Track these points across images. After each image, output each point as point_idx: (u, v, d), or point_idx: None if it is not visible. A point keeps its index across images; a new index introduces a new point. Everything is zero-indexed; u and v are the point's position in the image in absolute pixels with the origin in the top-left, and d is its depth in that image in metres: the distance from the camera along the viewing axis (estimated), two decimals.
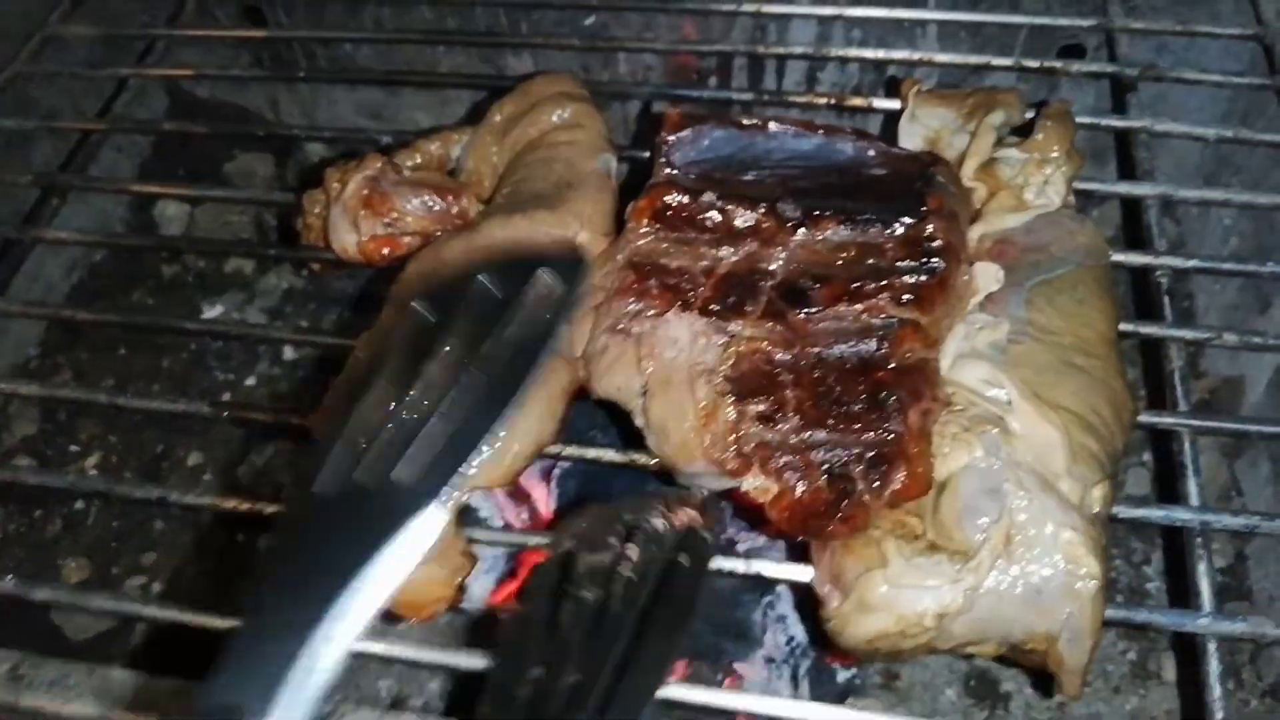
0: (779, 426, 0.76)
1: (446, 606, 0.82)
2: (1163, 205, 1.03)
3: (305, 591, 0.51)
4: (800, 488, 0.74)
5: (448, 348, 0.57)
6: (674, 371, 0.78)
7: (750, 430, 0.76)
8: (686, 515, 0.70)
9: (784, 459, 0.75)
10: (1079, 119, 1.02)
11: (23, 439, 1.41)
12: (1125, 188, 1.06)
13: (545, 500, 1.22)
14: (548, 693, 0.60)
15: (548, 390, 0.83)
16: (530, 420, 0.82)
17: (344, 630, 0.50)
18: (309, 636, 0.50)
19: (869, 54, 1.19)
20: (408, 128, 1.55)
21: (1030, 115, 1.01)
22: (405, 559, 0.52)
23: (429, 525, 0.52)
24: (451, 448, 0.55)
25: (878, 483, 0.74)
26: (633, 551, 0.65)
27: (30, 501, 1.35)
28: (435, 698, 1.15)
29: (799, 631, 1.09)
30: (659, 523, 0.68)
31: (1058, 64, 1.16)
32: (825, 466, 0.75)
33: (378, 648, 0.80)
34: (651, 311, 0.80)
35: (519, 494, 1.23)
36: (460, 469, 0.54)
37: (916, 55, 1.17)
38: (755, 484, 0.76)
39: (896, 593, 0.72)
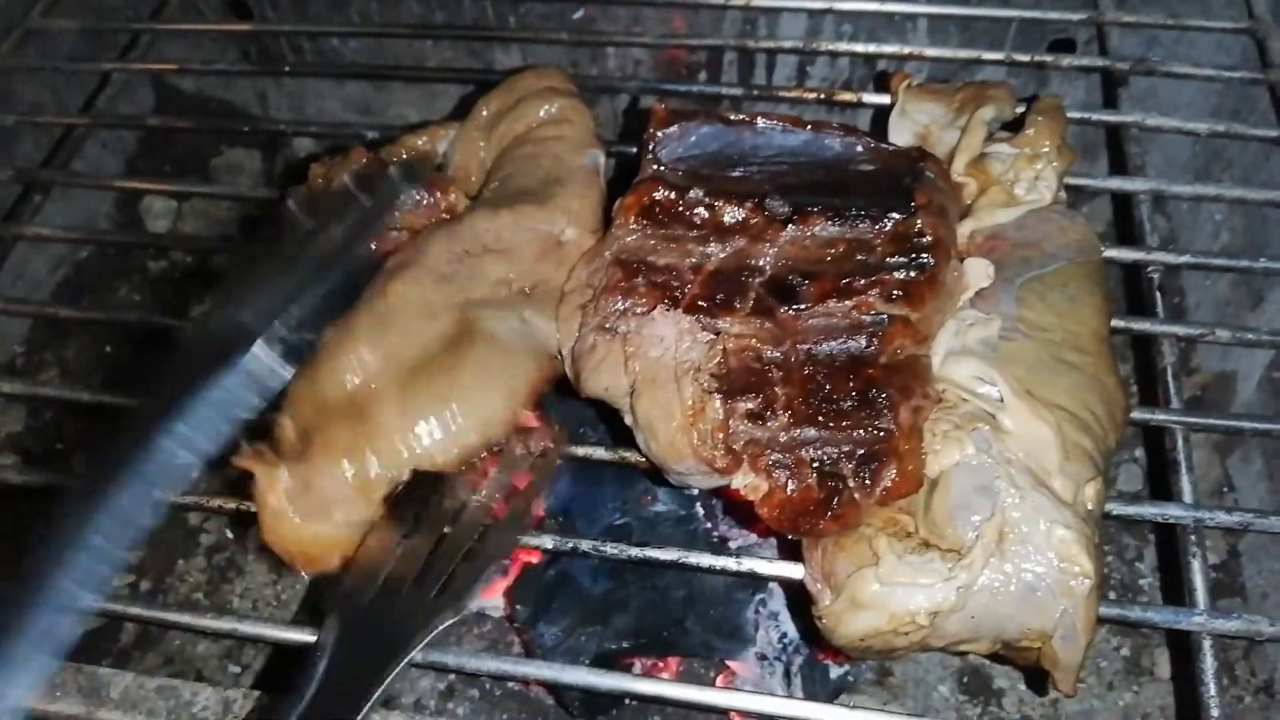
0: (769, 424, 0.75)
1: (340, 561, 0.80)
2: (1154, 201, 1.03)
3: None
4: (790, 485, 0.74)
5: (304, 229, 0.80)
6: (660, 370, 0.77)
7: (740, 428, 0.75)
8: (541, 444, 0.85)
9: (774, 456, 0.75)
10: (1069, 114, 1.02)
11: (8, 436, 1.40)
12: (1117, 183, 1.06)
13: None
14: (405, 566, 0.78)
15: (509, 377, 0.82)
16: (481, 398, 0.81)
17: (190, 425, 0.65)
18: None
19: (859, 48, 1.18)
20: (395, 123, 1.54)
21: (1021, 110, 1.00)
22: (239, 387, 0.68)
23: (259, 356, 0.69)
24: (284, 295, 0.72)
25: (868, 480, 0.73)
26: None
27: (16, 499, 1.34)
28: (426, 695, 1.15)
29: (791, 629, 1.09)
30: (519, 450, 0.84)
31: (1048, 58, 1.16)
32: (816, 464, 0.74)
33: None
34: (639, 309, 0.80)
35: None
36: (289, 309, 0.72)
37: (906, 50, 1.16)
38: (745, 482, 0.75)
39: (889, 591, 0.72)
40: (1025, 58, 1.15)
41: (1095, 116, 1.11)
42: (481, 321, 0.84)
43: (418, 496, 0.80)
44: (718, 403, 0.75)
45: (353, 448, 0.78)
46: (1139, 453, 1.31)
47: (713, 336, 0.78)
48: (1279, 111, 1.09)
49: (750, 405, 0.76)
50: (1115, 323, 0.91)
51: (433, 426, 0.79)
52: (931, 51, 1.17)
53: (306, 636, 0.78)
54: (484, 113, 1.02)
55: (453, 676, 1.15)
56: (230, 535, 1.30)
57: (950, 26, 1.35)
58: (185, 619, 0.83)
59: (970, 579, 0.71)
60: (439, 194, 0.95)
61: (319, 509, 0.78)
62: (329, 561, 0.80)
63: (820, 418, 0.75)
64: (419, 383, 0.80)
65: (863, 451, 0.74)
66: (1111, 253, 0.97)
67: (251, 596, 1.25)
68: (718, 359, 0.77)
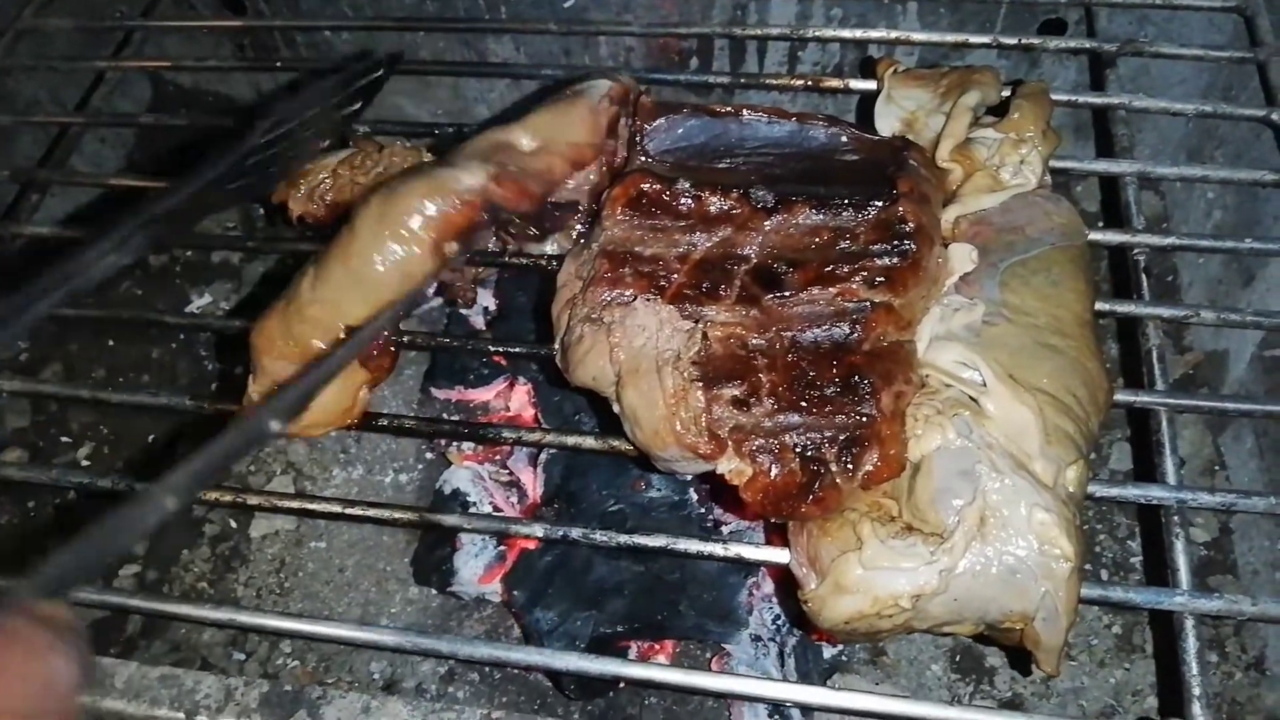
0: (753, 410, 0.76)
1: (344, 421, 0.89)
2: (1141, 182, 1.03)
3: None
4: (774, 470, 0.75)
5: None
6: (643, 360, 0.78)
7: (723, 414, 0.76)
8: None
9: (758, 442, 0.76)
10: (1057, 96, 1.02)
11: (14, 431, 1.42)
12: (1103, 165, 1.06)
13: (533, 485, 1.23)
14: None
15: (404, 209, 0.85)
16: (374, 246, 0.85)
17: None
18: None
19: (846, 34, 1.18)
20: (391, 114, 1.55)
21: (1007, 93, 1.01)
22: None
23: None
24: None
25: (850, 465, 0.75)
26: None
27: (22, 493, 1.36)
28: (427, 680, 1.16)
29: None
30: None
31: (1035, 40, 1.16)
32: (799, 449, 0.75)
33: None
34: (624, 300, 0.81)
35: (507, 480, 1.25)
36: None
37: (894, 34, 1.16)
38: (730, 467, 0.76)
39: (872, 574, 0.73)
40: (1012, 40, 1.15)
41: (1081, 99, 1.11)
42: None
43: None
44: (699, 390, 0.76)
45: (285, 336, 0.84)
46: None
47: (692, 325, 0.79)
48: (1267, 90, 1.09)
49: (735, 391, 0.77)
50: (1100, 305, 0.91)
51: (336, 286, 0.84)
52: (920, 35, 1.17)
53: (303, 626, 0.80)
54: None
55: (453, 661, 1.17)
56: (234, 525, 1.32)
57: (940, 9, 1.35)
58: (184, 610, 0.85)
59: (952, 562, 0.72)
60: None
61: None
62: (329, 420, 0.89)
63: (804, 404, 0.76)
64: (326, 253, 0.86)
65: (845, 436, 0.75)
66: (1097, 235, 0.97)
67: (255, 585, 1.27)
68: (697, 347, 0.78)
